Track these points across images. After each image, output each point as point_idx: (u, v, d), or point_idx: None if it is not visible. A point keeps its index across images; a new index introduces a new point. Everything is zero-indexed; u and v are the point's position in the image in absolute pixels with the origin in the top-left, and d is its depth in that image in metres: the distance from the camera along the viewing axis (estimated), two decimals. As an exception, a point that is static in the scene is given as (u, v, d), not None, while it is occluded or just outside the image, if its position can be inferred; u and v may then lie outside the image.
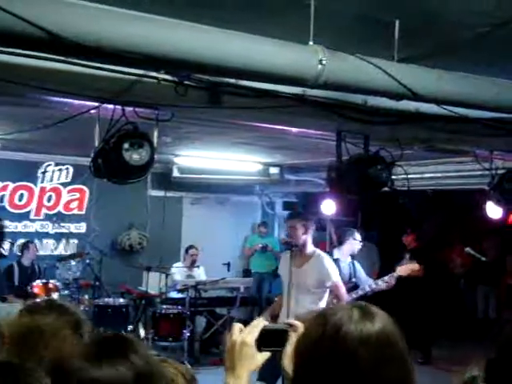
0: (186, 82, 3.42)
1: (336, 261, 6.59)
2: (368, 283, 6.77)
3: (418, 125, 4.17)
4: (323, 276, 5.51)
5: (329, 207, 9.02)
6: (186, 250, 9.58)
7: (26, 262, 8.78)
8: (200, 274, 9.43)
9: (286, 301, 5.55)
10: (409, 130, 4.32)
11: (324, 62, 2.87)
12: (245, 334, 1.66)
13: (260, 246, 10.77)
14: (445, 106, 3.55)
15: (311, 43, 2.95)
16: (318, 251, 5.66)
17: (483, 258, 8.96)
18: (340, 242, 7.73)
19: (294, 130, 4.66)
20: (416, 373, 1.48)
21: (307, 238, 5.52)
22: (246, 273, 11.10)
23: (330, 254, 7.06)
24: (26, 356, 1.81)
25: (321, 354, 1.44)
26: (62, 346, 2.00)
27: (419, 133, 4.50)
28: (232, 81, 3.42)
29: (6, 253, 8.59)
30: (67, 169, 9.78)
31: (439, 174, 7.80)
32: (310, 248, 5.59)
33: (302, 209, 11.70)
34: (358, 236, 7.19)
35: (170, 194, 10.39)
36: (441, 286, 9.75)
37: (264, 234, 11.01)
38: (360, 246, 7.22)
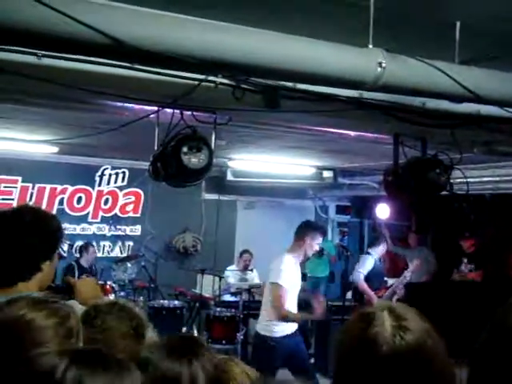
0: (244, 86, 3.44)
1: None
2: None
3: (478, 127, 4.09)
4: None
5: (383, 211, 8.98)
6: (241, 255, 9.63)
7: (84, 263, 8.96)
8: (254, 277, 9.46)
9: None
10: (468, 132, 4.23)
11: (384, 65, 2.85)
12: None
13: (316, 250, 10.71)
14: (507, 108, 3.46)
15: (371, 46, 2.93)
16: None
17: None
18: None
19: (352, 133, 4.63)
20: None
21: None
22: (302, 277, 11.04)
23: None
24: None
25: (353, 366, 1.43)
26: (122, 347, 2.02)
27: (479, 135, 4.41)
28: (289, 84, 3.42)
29: (65, 254, 8.80)
30: (123, 172, 9.97)
31: (497, 178, 7.62)
32: None
33: (355, 213, 11.64)
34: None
35: (223, 197, 10.46)
36: (499, 292, 9.50)
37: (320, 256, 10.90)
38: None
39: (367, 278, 8.30)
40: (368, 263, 8.36)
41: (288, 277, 5.63)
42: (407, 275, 8.45)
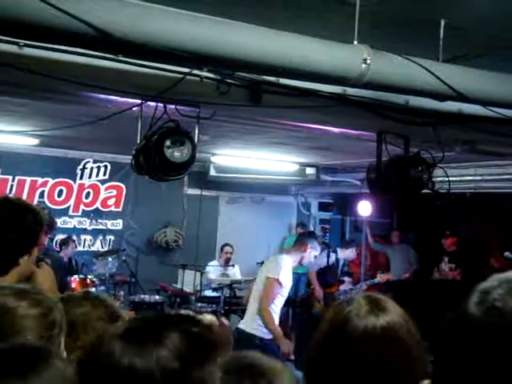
0: (228, 80, 3.43)
1: None
2: None
3: (461, 126, 4.12)
4: None
5: (365, 208, 9.03)
6: (221, 248, 9.63)
7: (64, 257, 8.90)
8: (235, 272, 9.45)
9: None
10: (451, 131, 4.26)
11: (368, 62, 2.85)
12: None
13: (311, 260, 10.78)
14: (490, 107, 3.49)
15: (356, 42, 2.93)
16: None
17: (523, 263, 8.78)
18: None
19: (336, 130, 4.63)
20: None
21: None
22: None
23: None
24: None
25: (327, 347, 1.46)
26: (98, 329, 2.01)
27: (461, 134, 4.44)
28: (273, 79, 3.42)
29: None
30: (105, 166, 9.90)
31: (479, 177, 7.69)
32: None
33: (337, 210, 11.68)
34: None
35: (206, 192, 10.43)
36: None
37: None
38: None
39: (323, 273, 8.54)
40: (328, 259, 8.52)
41: (284, 277, 5.62)
42: (363, 286, 8.75)
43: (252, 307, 5.75)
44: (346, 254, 8.93)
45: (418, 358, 1.44)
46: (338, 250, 8.90)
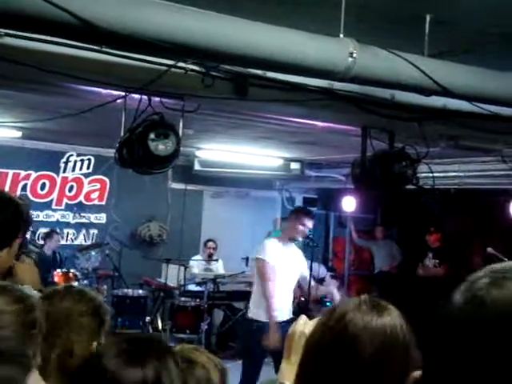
0: (213, 73, 3.41)
1: None
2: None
3: (446, 121, 4.13)
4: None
5: (349, 204, 9.03)
6: (205, 243, 9.62)
7: (47, 251, 8.85)
8: (218, 267, 9.45)
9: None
10: (436, 126, 4.27)
11: (355, 55, 2.84)
12: (308, 326, 1.70)
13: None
14: (475, 103, 3.50)
15: (342, 36, 2.92)
16: None
17: (505, 259, 8.85)
18: None
19: (320, 124, 4.62)
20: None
21: None
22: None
23: None
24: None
25: (324, 340, 1.45)
26: (78, 331, 1.99)
27: (446, 130, 4.45)
28: (259, 72, 3.40)
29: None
30: (89, 159, 9.83)
31: (462, 174, 7.73)
32: None
33: (322, 205, 11.68)
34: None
35: (190, 187, 10.39)
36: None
37: None
38: None
39: None
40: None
41: (272, 257, 5.52)
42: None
43: (252, 295, 5.79)
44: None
45: (414, 359, 1.44)
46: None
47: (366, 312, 1.43)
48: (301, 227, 5.68)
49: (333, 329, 1.44)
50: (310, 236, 6.35)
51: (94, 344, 2.04)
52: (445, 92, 3.17)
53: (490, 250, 8.85)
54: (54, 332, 1.89)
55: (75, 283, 8.22)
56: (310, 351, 1.49)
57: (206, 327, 7.87)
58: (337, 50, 2.85)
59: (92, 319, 2.05)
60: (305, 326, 1.73)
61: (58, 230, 9.36)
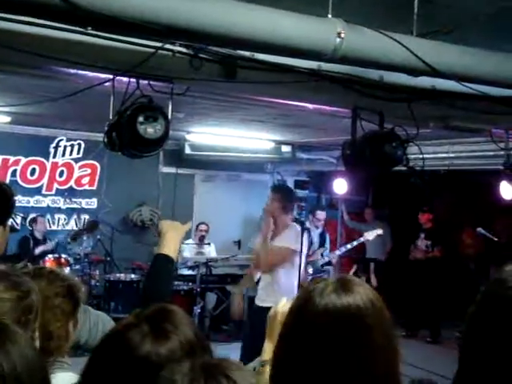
0: (202, 55, 3.39)
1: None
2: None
3: (435, 102, 4.12)
4: None
5: (340, 186, 9.04)
6: (196, 226, 9.63)
7: (38, 235, 8.85)
8: (210, 251, 9.47)
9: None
10: (425, 107, 4.27)
11: (342, 36, 2.83)
12: (287, 307, 1.71)
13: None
14: (464, 83, 3.49)
15: (330, 16, 2.91)
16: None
17: (495, 239, 8.93)
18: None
19: (310, 106, 4.61)
20: (407, 348, 1.47)
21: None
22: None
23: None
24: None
25: (291, 326, 1.47)
26: (54, 312, 1.97)
27: (435, 110, 4.45)
28: (248, 54, 3.38)
29: (18, 227, 8.64)
30: (79, 144, 9.79)
31: (452, 154, 7.75)
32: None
33: (313, 188, 11.70)
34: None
35: (181, 170, 10.38)
36: (452, 267, 9.74)
37: None
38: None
39: None
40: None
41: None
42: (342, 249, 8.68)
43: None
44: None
45: (382, 343, 1.43)
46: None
47: (329, 293, 1.43)
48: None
49: (299, 306, 1.46)
50: (301, 219, 6.38)
51: (71, 325, 2.04)
52: (433, 72, 3.16)
53: (479, 229, 8.91)
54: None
55: (67, 268, 8.23)
56: (282, 331, 1.51)
57: (198, 311, 7.90)
58: (325, 31, 2.84)
59: (67, 300, 2.04)
60: (285, 307, 1.77)
61: (48, 216, 9.36)
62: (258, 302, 5.53)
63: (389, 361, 1.43)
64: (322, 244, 8.63)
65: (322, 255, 8.40)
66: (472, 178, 8.86)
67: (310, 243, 7.83)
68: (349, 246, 8.48)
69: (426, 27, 3.28)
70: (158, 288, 2.43)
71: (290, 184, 11.72)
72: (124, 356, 1.36)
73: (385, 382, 1.41)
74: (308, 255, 6.94)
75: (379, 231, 8.38)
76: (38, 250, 8.66)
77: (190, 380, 1.12)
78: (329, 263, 8.78)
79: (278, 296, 5.49)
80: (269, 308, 2.08)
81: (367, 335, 1.41)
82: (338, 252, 8.53)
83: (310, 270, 7.96)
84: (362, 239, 8.43)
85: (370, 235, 8.33)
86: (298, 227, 5.54)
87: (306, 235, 5.72)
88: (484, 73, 3.40)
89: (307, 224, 7.76)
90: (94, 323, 2.40)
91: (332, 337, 1.39)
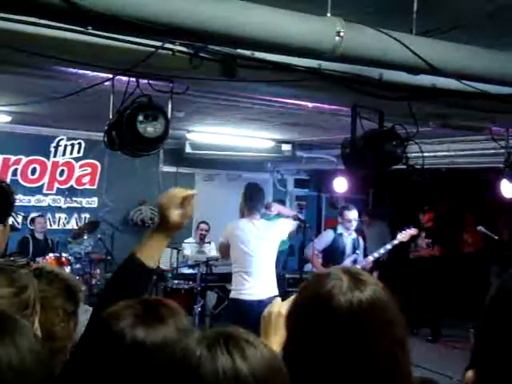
0: (201, 54, 3.39)
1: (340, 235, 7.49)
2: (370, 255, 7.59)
3: (434, 100, 4.13)
4: None
5: (340, 184, 9.03)
6: (197, 226, 9.63)
7: (38, 235, 8.85)
8: (211, 250, 9.47)
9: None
10: (425, 105, 4.27)
11: (342, 34, 2.83)
12: (283, 306, 1.76)
13: None
14: (464, 81, 3.50)
15: (329, 15, 2.91)
16: None
17: (496, 237, 8.92)
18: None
19: (310, 105, 4.62)
20: (413, 345, 1.48)
21: None
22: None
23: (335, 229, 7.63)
24: None
25: (312, 326, 1.44)
26: (57, 313, 1.97)
27: (435, 109, 4.46)
28: (247, 53, 3.39)
29: (19, 226, 8.64)
30: (79, 143, 9.81)
31: (453, 153, 7.75)
32: None
33: (313, 186, 11.70)
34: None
35: (182, 170, 10.39)
36: (453, 266, 9.74)
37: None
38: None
39: (328, 253, 7.59)
40: (324, 238, 7.78)
41: None
42: (375, 254, 7.63)
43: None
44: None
45: (401, 327, 1.45)
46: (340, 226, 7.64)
47: (348, 290, 1.44)
48: None
49: (320, 304, 1.44)
50: (302, 218, 6.41)
51: (72, 325, 2.04)
52: (433, 70, 3.17)
53: (480, 228, 8.90)
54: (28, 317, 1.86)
55: (68, 268, 8.23)
56: (297, 331, 1.49)
57: (199, 309, 7.91)
58: (324, 29, 2.84)
59: (67, 300, 2.04)
60: (280, 306, 1.78)
61: (49, 215, 9.38)
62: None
63: (407, 353, 1.46)
64: (354, 250, 7.59)
65: (354, 262, 7.45)
66: (472, 177, 8.87)
67: (343, 249, 7.46)
68: (382, 251, 7.59)
69: (426, 26, 3.28)
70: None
71: (290, 183, 11.75)
72: (113, 341, 1.38)
73: (407, 372, 1.44)
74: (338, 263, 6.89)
75: (412, 231, 7.63)
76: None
77: (208, 345, 1.11)
78: None
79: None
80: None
81: (389, 322, 1.43)
82: (371, 258, 7.55)
83: None
84: (395, 241, 7.55)
85: (404, 237, 7.57)
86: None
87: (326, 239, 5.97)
88: (484, 71, 3.40)
89: (339, 229, 7.50)
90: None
91: (358, 331, 1.40)
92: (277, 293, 5.72)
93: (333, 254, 7.50)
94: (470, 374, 1.33)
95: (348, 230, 7.49)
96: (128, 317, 1.44)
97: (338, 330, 1.40)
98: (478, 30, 3.51)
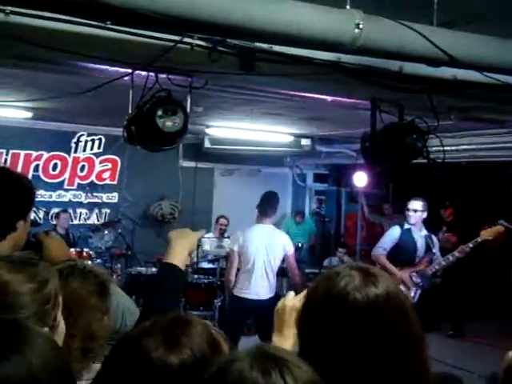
0: (220, 48, 3.38)
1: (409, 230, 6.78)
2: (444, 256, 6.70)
3: (456, 93, 4.08)
4: None
5: (360, 179, 8.99)
6: (216, 220, 9.65)
7: (60, 230, 8.93)
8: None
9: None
10: (445, 98, 4.22)
11: (361, 26, 2.80)
12: (296, 301, 1.77)
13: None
14: (485, 73, 3.45)
15: (348, 7, 2.89)
16: None
17: (517, 231, 8.80)
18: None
19: (329, 98, 4.59)
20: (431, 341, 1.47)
21: None
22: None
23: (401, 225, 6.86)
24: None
25: (329, 324, 1.44)
26: (92, 314, 1.95)
27: (456, 101, 4.41)
28: (266, 46, 3.37)
29: (40, 221, 8.72)
30: (100, 139, 9.87)
31: (474, 146, 7.67)
32: None
33: (333, 181, 11.65)
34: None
35: (201, 165, 10.42)
36: (475, 260, 9.64)
37: (300, 222, 10.87)
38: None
39: (394, 253, 6.77)
40: (388, 237, 6.92)
41: None
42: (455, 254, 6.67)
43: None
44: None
45: (415, 320, 1.45)
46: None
47: (363, 285, 1.43)
48: None
49: (336, 309, 1.44)
50: (321, 212, 6.39)
51: (107, 320, 2.03)
52: (454, 62, 3.12)
53: (502, 222, 8.79)
54: (68, 321, 1.83)
55: (89, 262, 8.30)
56: (313, 329, 1.48)
57: (219, 304, 7.92)
58: (343, 22, 2.81)
59: (102, 297, 2.03)
60: (294, 300, 1.79)
61: (70, 210, 9.44)
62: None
63: (424, 346, 1.46)
64: (427, 249, 6.73)
65: (430, 262, 6.67)
66: (494, 170, 8.77)
67: (414, 247, 6.69)
68: (457, 254, 6.63)
69: (447, 17, 3.24)
70: (162, 303, 2.06)
71: (310, 177, 11.71)
72: (137, 363, 1.34)
73: (424, 365, 1.44)
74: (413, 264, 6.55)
75: (499, 228, 6.69)
76: None
77: (262, 371, 1.09)
78: (434, 275, 6.80)
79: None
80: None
81: (405, 315, 1.43)
82: (450, 258, 6.58)
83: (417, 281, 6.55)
84: (479, 239, 6.60)
85: (490, 234, 6.64)
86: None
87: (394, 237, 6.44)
88: (506, 62, 3.34)
89: (406, 224, 6.80)
90: (117, 304, 2.38)
91: (377, 326, 1.40)
92: (273, 294, 6.36)
93: (402, 252, 6.72)
94: (511, 354, 1.33)
95: (408, 219, 6.78)
96: (157, 336, 1.38)
97: (356, 326, 1.40)
98: (500, 20, 3.45)
